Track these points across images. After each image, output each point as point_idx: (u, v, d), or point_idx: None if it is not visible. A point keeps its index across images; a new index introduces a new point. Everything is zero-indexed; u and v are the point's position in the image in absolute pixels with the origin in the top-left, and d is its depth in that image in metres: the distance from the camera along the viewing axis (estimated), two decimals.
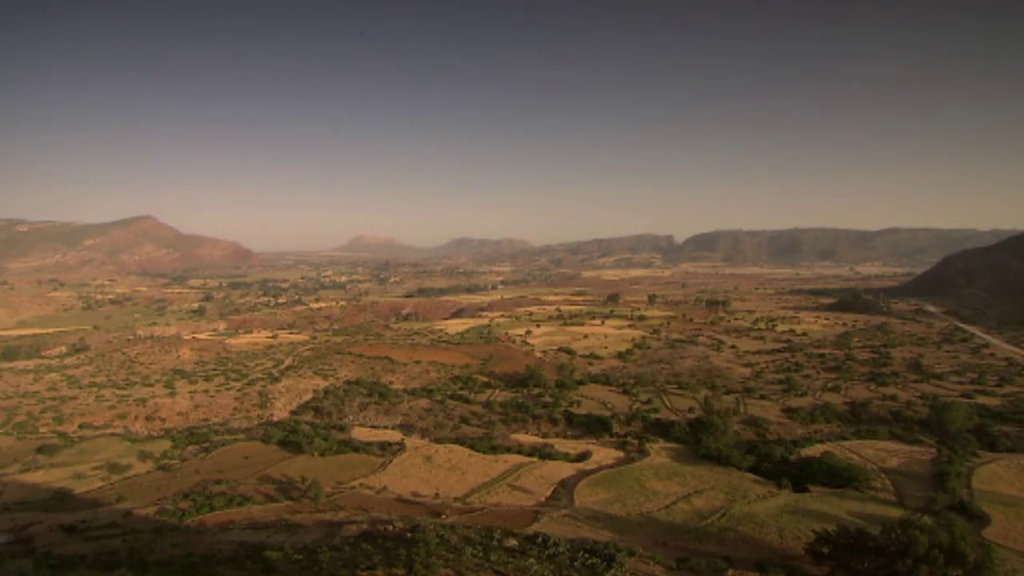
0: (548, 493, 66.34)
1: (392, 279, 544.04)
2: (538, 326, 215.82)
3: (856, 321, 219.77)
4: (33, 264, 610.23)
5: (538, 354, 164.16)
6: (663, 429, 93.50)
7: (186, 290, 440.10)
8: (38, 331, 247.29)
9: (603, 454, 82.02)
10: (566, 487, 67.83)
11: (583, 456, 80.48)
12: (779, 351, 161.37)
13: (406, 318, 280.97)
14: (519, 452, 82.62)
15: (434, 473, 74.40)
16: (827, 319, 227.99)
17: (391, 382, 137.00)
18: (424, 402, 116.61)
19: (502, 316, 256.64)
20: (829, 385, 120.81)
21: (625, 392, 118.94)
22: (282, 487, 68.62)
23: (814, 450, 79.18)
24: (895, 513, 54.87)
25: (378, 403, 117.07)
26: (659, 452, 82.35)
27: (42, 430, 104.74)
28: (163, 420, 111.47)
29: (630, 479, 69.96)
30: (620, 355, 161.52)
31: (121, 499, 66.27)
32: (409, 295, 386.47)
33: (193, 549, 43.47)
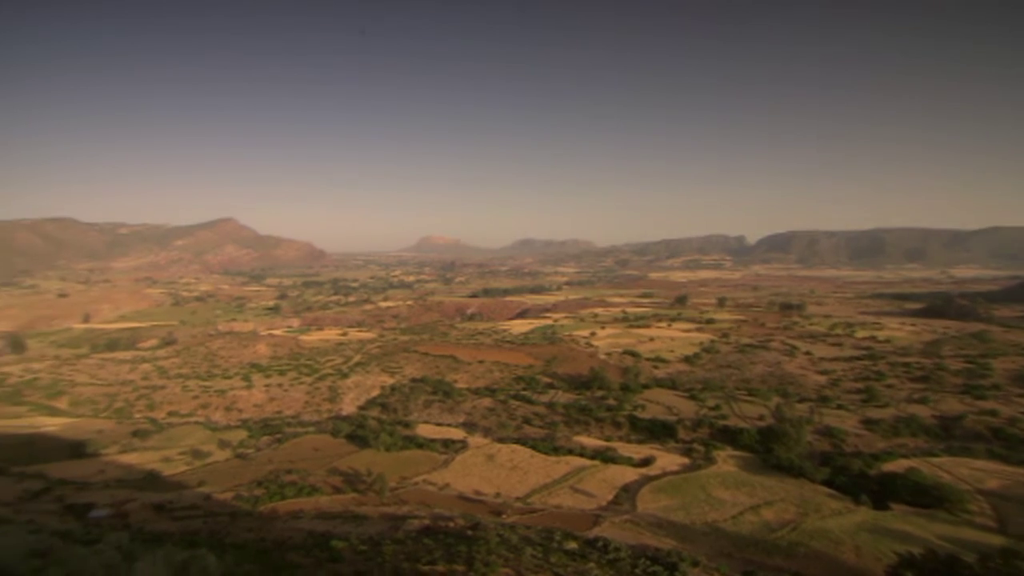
0: (610, 497, 65.33)
1: (458, 279, 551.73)
2: (603, 328, 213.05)
3: (948, 328, 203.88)
4: (132, 263, 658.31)
5: (602, 356, 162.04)
6: (731, 436, 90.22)
7: (263, 288, 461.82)
8: (134, 325, 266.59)
9: (667, 460, 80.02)
10: (628, 492, 66.57)
11: (647, 461, 78.81)
12: (858, 358, 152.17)
13: (471, 318, 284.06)
14: (581, 454, 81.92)
15: (496, 472, 74.77)
16: (914, 325, 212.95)
17: (455, 381, 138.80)
18: (487, 401, 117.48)
19: (566, 317, 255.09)
20: (915, 396, 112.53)
21: (692, 397, 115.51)
22: (349, 479, 70.80)
23: (897, 465, 74.10)
24: (995, 541, 50.48)
25: (442, 401, 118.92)
26: (726, 460, 79.51)
27: (136, 416, 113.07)
28: (240, 411, 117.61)
29: (695, 487, 67.88)
30: (687, 359, 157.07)
31: (202, 483, 70.38)
32: (474, 295, 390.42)
33: (266, 535, 45.37)
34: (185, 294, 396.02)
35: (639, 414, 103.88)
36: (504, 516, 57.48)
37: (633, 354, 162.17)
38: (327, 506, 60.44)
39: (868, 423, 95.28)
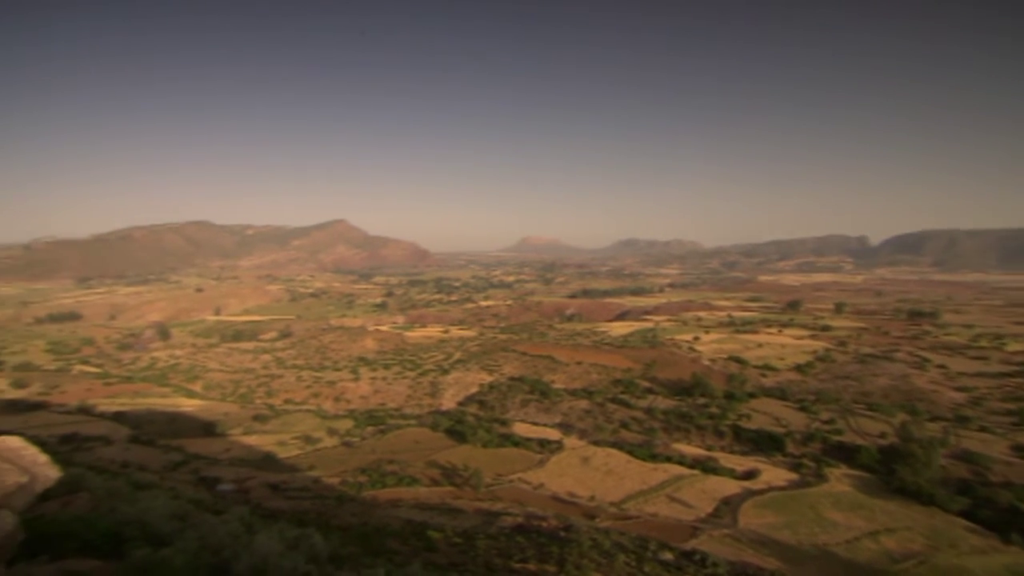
0: (709, 509, 62.48)
1: (557, 279, 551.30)
2: (707, 332, 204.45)
3: None
4: (256, 262, 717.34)
5: (705, 362, 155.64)
6: (846, 454, 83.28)
7: (371, 286, 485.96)
8: (257, 318, 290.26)
9: (773, 474, 75.30)
10: (729, 505, 63.32)
11: (750, 474, 74.63)
12: (1009, 375, 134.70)
13: (569, 318, 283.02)
14: (680, 463, 79.05)
15: (590, 475, 73.88)
16: None
17: (552, 381, 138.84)
18: (584, 403, 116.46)
19: (668, 320, 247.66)
20: None
21: (802, 409, 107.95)
22: (446, 473, 72.77)
23: None
24: None
25: (539, 401, 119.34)
26: (840, 479, 73.49)
27: (257, 401, 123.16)
28: (348, 401, 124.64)
29: (804, 505, 63.31)
30: (798, 368, 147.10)
31: (312, 467, 75.24)
32: (573, 296, 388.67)
33: (367, 520, 47.60)
34: (301, 290, 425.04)
35: (744, 424, 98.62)
36: (598, 520, 56.62)
37: (739, 361, 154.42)
38: (425, 497, 62.45)
39: (1021, 450, 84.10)
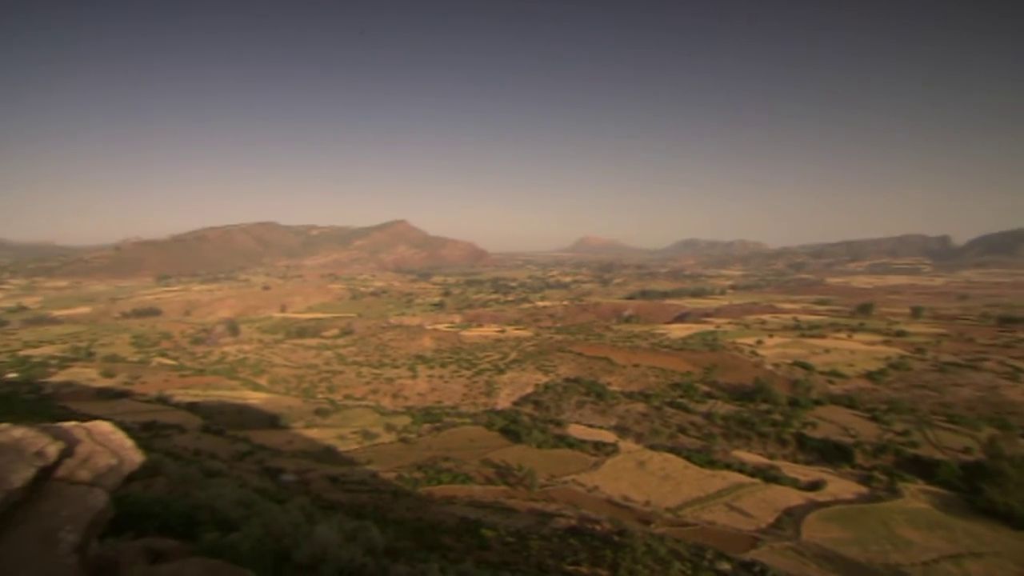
0: (770, 520, 60.41)
1: (615, 280, 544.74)
2: (771, 336, 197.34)
3: None
4: (319, 261, 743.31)
5: (768, 367, 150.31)
6: (923, 469, 78.64)
7: (429, 286, 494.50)
8: (319, 315, 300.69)
9: (840, 486, 72.01)
10: (792, 517, 61.02)
11: (815, 485, 71.66)
12: None
13: (627, 320, 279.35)
14: (740, 470, 76.79)
15: (646, 480, 72.83)
16: None
17: (608, 383, 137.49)
18: (641, 406, 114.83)
19: (729, 323, 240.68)
20: None
21: (873, 419, 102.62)
22: (500, 472, 73.34)
23: None
24: None
25: (594, 403, 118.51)
26: (916, 495, 69.46)
27: (318, 396, 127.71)
28: (405, 398, 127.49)
29: (875, 521, 60.24)
30: (870, 375, 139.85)
31: (370, 461, 77.39)
32: (631, 297, 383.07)
33: (422, 515, 48.62)
34: (362, 289, 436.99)
35: (809, 432, 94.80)
36: (653, 526, 55.75)
37: (804, 366, 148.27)
38: (479, 495, 63.17)
39: None
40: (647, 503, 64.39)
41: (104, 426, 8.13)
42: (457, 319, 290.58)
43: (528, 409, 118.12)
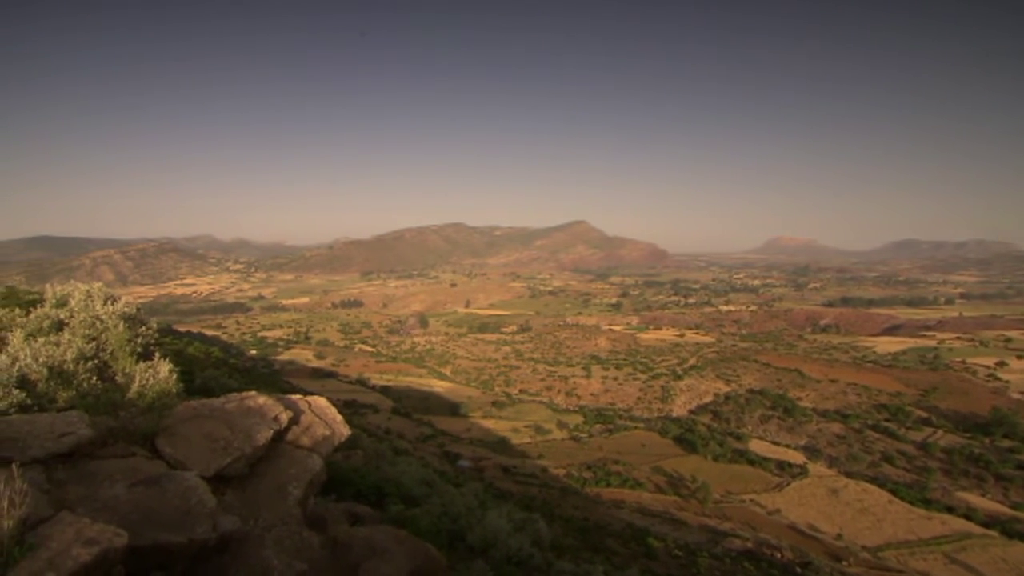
0: None
1: (811, 285, 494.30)
2: (1019, 358, 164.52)
3: None
4: (502, 260, 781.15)
5: (1014, 395, 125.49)
6: None
7: (607, 286, 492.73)
8: (500, 312, 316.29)
9: None
10: None
11: None
12: None
13: (824, 330, 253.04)
14: (967, 516, 65.65)
15: (839, 510, 65.63)
16: None
17: (798, 398, 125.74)
18: (837, 427, 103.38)
19: (958, 339, 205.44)
20: None
21: None
22: (671, 481, 71.17)
23: None
24: None
25: (781, 418, 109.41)
26: None
27: (496, 388, 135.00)
28: (578, 397, 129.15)
29: None
30: None
31: (541, 456, 79.91)
32: (830, 304, 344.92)
33: (589, 515, 49.12)
34: (541, 288, 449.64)
35: None
36: (845, 564, 50.03)
37: None
38: (648, 503, 61.98)
39: None
40: (839, 536, 57.96)
41: (321, 401, 9.77)
42: (634, 321, 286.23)
43: (705, 419, 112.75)
